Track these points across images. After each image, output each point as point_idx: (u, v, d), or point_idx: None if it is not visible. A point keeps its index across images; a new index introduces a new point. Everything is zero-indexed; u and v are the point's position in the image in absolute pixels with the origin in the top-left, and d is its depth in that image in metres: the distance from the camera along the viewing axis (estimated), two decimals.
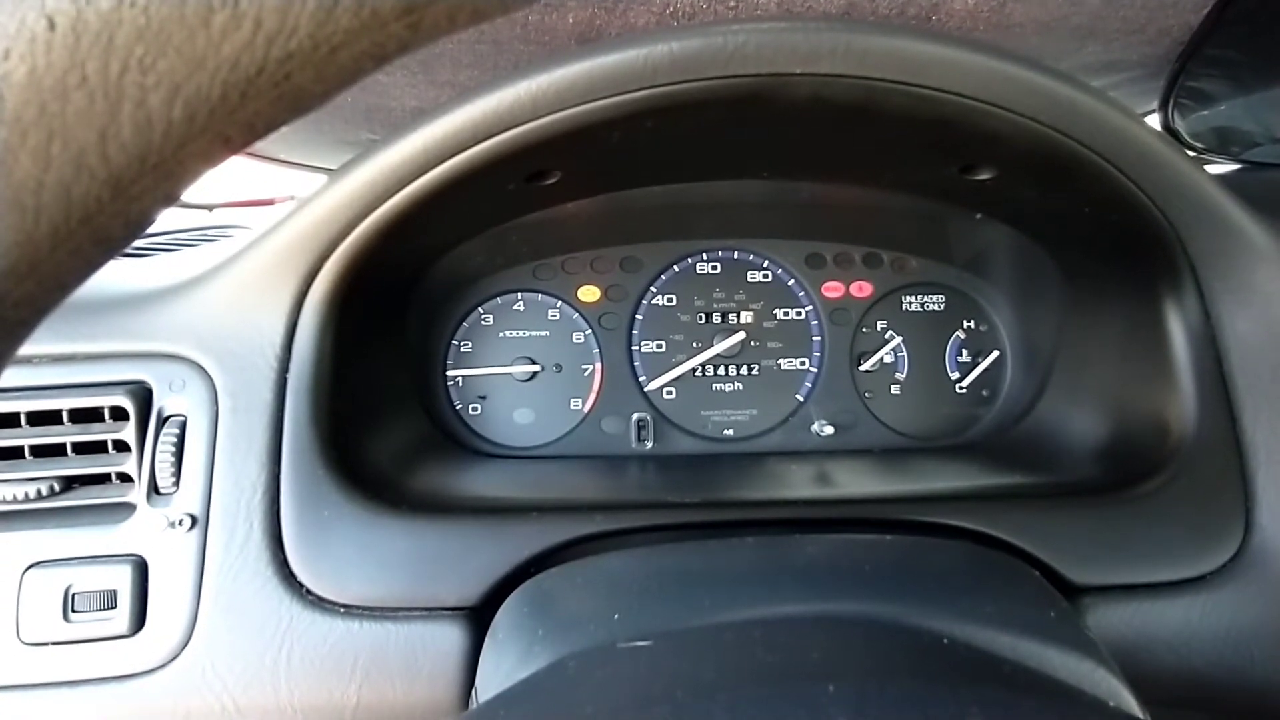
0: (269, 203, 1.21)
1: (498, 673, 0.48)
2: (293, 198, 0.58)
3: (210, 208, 1.15)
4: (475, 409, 0.84)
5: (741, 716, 0.23)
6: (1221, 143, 1.19)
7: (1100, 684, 0.39)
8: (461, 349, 0.84)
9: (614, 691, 0.30)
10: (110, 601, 0.56)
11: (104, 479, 0.60)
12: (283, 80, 0.19)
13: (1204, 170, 0.59)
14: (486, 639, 0.53)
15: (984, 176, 0.64)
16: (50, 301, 0.19)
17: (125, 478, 0.60)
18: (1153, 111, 1.13)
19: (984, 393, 0.85)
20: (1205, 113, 1.17)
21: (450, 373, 0.84)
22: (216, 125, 0.19)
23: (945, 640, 0.37)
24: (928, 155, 0.63)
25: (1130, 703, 0.39)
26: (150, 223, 0.20)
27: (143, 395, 0.60)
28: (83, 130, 0.17)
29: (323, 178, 0.60)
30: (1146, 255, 0.62)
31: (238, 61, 0.18)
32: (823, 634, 0.36)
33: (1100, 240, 0.66)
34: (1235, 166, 1.17)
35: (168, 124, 0.18)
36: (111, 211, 0.19)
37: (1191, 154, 1.11)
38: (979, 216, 0.76)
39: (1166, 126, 1.14)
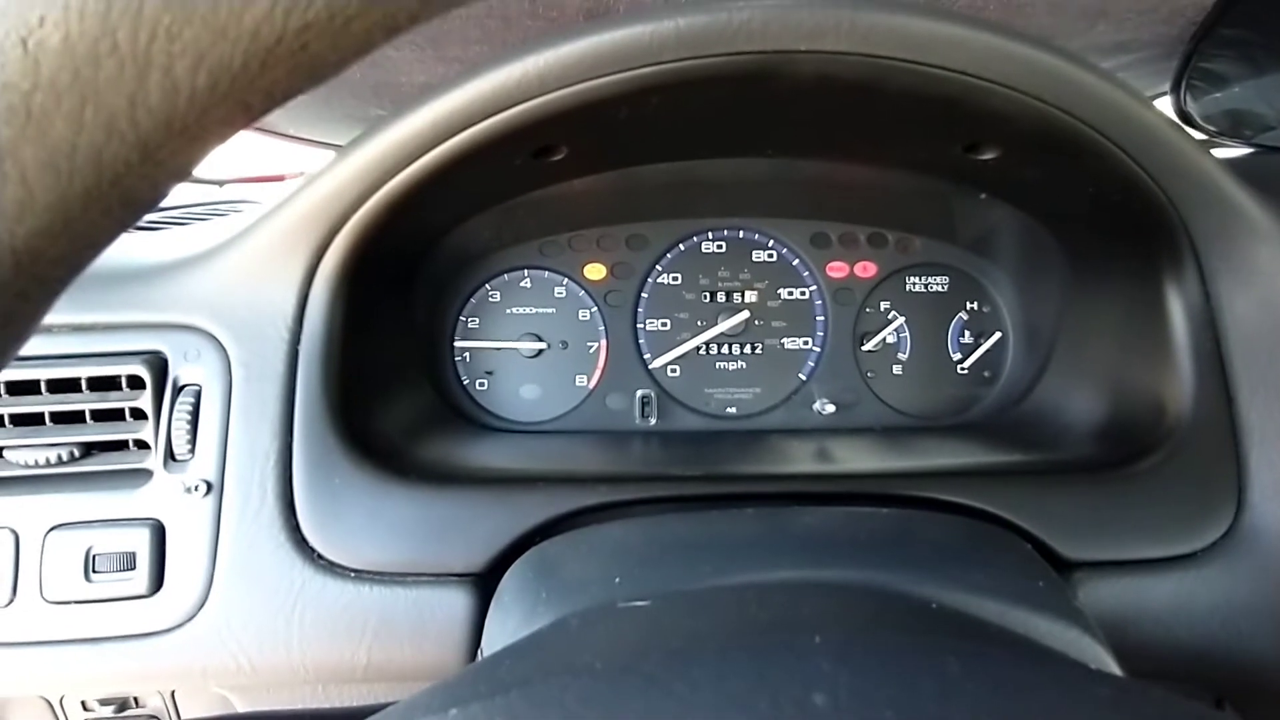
0: (279, 179, 1.22)
1: (502, 634, 0.50)
2: (302, 174, 0.59)
3: (221, 183, 1.16)
4: (482, 384, 0.85)
5: (732, 663, 0.25)
6: (1234, 126, 1.18)
7: (1085, 651, 0.40)
8: (469, 325, 0.85)
9: (613, 644, 0.31)
10: (129, 563, 0.58)
11: (122, 445, 0.62)
12: (300, 50, 0.20)
13: (1207, 151, 0.59)
14: (492, 603, 0.55)
15: (988, 156, 0.64)
16: (83, 260, 0.21)
17: (142, 444, 0.62)
18: (1165, 94, 1.12)
19: (985, 373, 0.86)
20: (1218, 95, 1.16)
21: (458, 346, 0.85)
22: (238, 92, 0.20)
23: (933, 604, 0.39)
24: (933, 134, 0.64)
25: (1113, 668, 0.40)
26: (175, 185, 0.21)
27: (159, 365, 0.61)
28: (113, 95, 0.18)
29: (331, 154, 0.61)
30: (1148, 236, 0.62)
31: (258, 31, 0.19)
32: (813, 595, 0.37)
33: (1103, 220, 0.67)
34: (1248, 150, 1.16)
35: (192, 90, 0.19)
36: (140, 174, 0.20)
37: (1204, 137, 1.11)
38: (983, 197, 0.76)
39: (1179, 109, 1.13)
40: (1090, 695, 0.24)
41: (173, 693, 0.64)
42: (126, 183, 0.20)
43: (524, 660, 0.31)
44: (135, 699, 0.67)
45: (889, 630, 0.32)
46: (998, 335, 0.86)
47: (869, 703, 0.23)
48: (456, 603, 0.58)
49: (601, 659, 0.26)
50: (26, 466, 0.60)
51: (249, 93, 0.20)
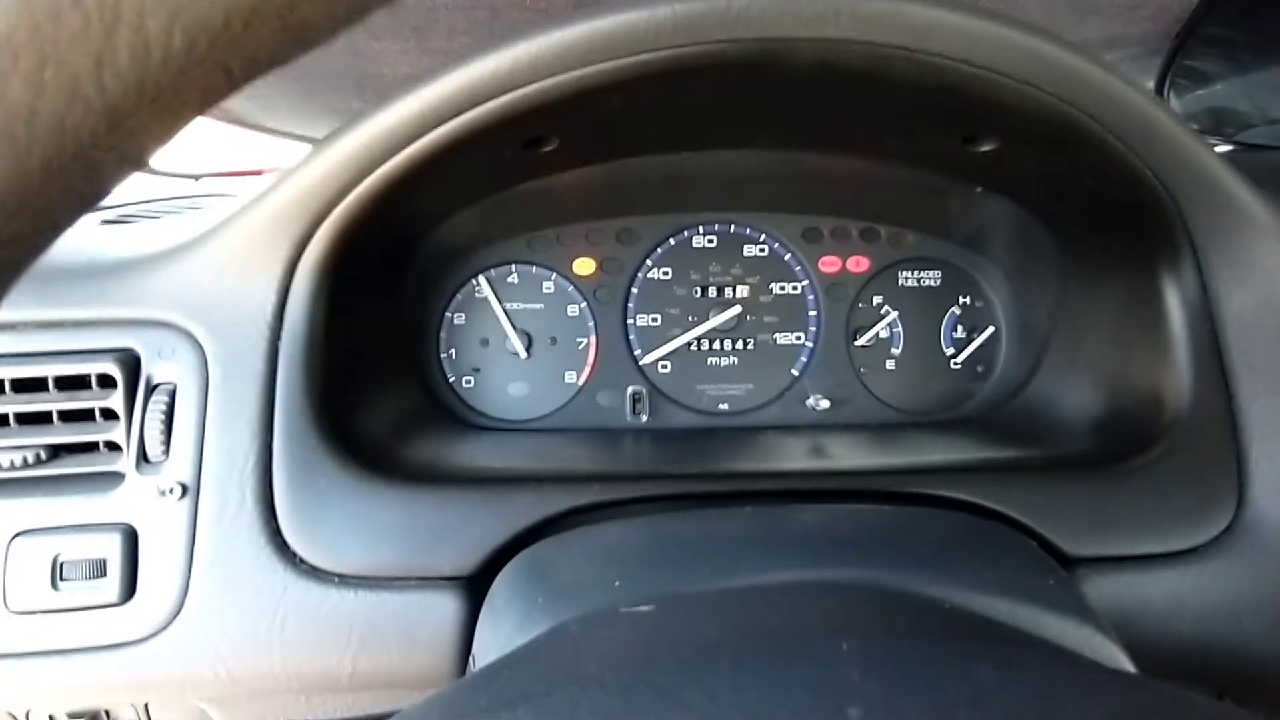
0: (257, 173, 1.19)
1: (496, 640, 0.48)
2: (279, 169, 0.56)
3: (197, 177, 1.13)
4: (469, 381, 0.83)
5: (751, 673, 0.23)
6: (1217, 124, 1.19)
7: (1098, 650, 0.40)
8: (455, 321, 0.83)
9: (619, 653, 0.30)
10: (99, 570, 0.55)
11: (91, 447, 0.59)
12: (288, 11, 0.18)
13: (1207, 146, 0.59)
14: (484, 607, 0.53)
15: (987, 147, 0.63)
16: (41, 241, 0.19)
17: (113, 446, 0.59)
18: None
19: (979, 368, 0.85)
20: (1202, 92, 1.17)
21: (444, 342, 0.83)
22: (217, 55, 0.18)
23: (946, 605, 0.38)
24: (931, 124, 0.63)
25: (1127, 667, 0.39)
26: (146, 160, 0.19)
27: (131, 363, 0.59)
28: (77, 55, 0.16)
29: (310, 148, 0.59)
30: (1146, 229, 0.62)
31: None
32: (822, 597, 0.36)
33: (1100, 213, 0.66)
34: (1230, 147, 1.17)
35: (166, 51, 0.17)
36: (107, 145, 0.18)
37: None
38: (979, 190, 0.75)
39: None
40: (1128, 702, 0.23)
41: (146, 705, 0.61)
42: (91, 155, 0.18)
43: (525, 671, 0.30)
44: (106, 712, 0.64)
45: (911, 634, 0.31)
46: (991, 330, 0.85)
47: (903, 715, 0.21)
48: (446, 607, 0.56)
49: (609, 669, 0.25)
50: None
51: (230, 56, 0.18)
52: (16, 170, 0.17)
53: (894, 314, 0.86)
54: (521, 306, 0.84)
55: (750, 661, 0.23)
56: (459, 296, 0.83)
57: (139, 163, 0.19)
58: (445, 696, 0.27)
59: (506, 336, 0.83)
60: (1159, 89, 1.16)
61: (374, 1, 0.19)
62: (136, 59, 0.17)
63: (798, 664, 0.23)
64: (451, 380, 0.83)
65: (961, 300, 0.86)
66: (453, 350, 0.83)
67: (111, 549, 0.55)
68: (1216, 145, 1.14)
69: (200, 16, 0.17)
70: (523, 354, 0.83)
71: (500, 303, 0.83)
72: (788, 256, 0.86)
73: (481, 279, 0.83)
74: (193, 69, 0.18)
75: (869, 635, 0.27)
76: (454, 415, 0.82)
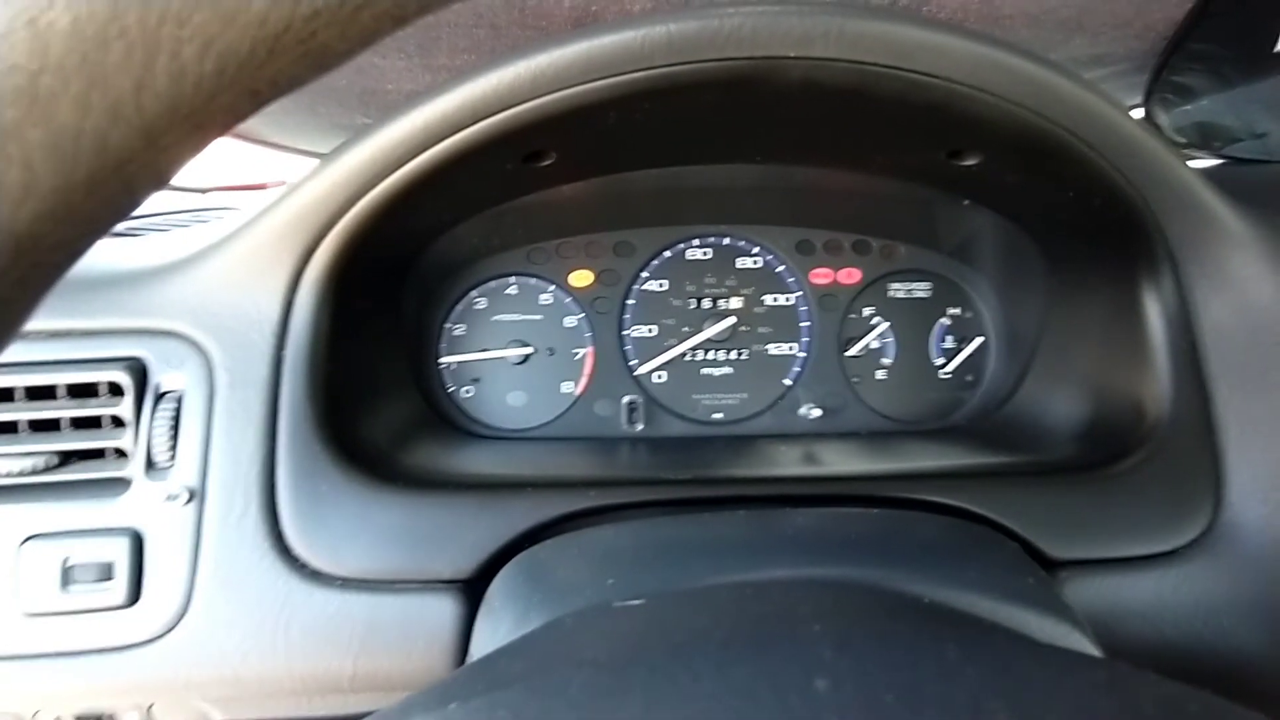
0: (261, 187, 1.21)
1: (493, 640, 0.49)
2: (284, 183, 0.58)
3: (204, 190, 1.15)
4: (468, 391, 0.85)
5: (734, 653, 0.25)
6: (1203, 138, 1.21)
7: (1074, 646, 0.41)
8: (454, 332, 0.85)
9: (612, 641, 0.31)
10: (107, 573, 0.57)
11: (100, 454, 0.61)
12: (309, 38, 0.20)
13: (1183, 160, 0.61)
14: (481, 608, 0.54)
15: (971, 162, 0.65)
16: (83, 246, 0.20)
17: (121, 453, 0.60)
18: (1136, 106, 1.15)
19: (968, 378, 0.87)
20: (1188, 108, 1.19)
21: (443, 357, 0.84)
22: (245, 79, 0.20)
23: (925, 599, 0.39)
24: (917, 140, 0.65)
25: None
26: (176, 173, 0.21)
27: (139, 371, 0.60)
28: (121, 80, 0.18)
29: (315, 163, 0.61)
30: (1126, 241, 0.64)
31: (266, 18, 0.19)
32: (808, 591, 0.37)
33: (1082, 226, 0.68)
34: (1217, 162, 1.19)
35: (199, 76, 0.19)
36: (143, 160, 0.19)
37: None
38: (966, 203, 0.77)
39: (1149, 121, 1.16)
40: (1087, 679, 0.24)
41: (150, 707, 0.62)
42: (130, 169, 0.19)
43: (521, 658, 0.31)
44: (112, 716, 0.65)
45: (883, 620, 0.32)
46: (980, 340, 0.87)
47: (870, 686, 0.23)
48: (444, 609, 0.57)
49: (603, 654, 0.26)
50: (1, 476, 0.59)
51: (256, 80, 0.20)
52: (64, 183, 0.18)
53: (885, 324, 0.87)
54: (520, 318, 0.86)
55: (734, 644, 0.25)
56: (459, 308, 0.85)
57: (170, 176, 0.21)
58: (444, 682, 0.28)
59: (505, 347, 0.84)
60: (1146, 104, 1.18)
61: (385, 29, 0.21)
62: (173, 83, 0.19)
63: (776, 644, 0.25)
64: (451, 390, 0.85)
65: (950, 311, 0.88)
66: (452, 360, 0.85)
67: (119, 553, 0.57)
68: (1204, 159, 1.17)
69: (230, 45, 0.19)
70: (521, 364, 0.85)
71: (499, 314, 0.85)
72: (781, 268, 0.88)
73: (480, 291, 0.85)
74: (223, 91, 0.19)
75: (843, 621, 0.29)
76: (453, 424, 0.84)
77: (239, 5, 0.18)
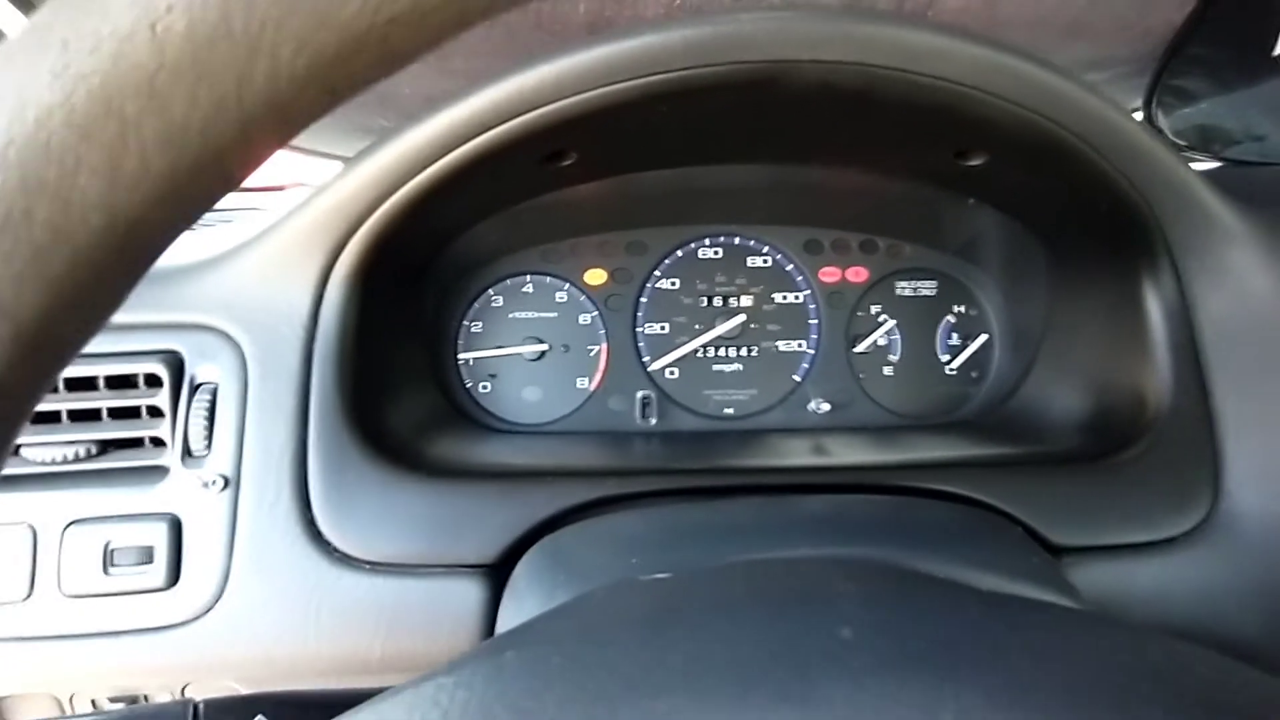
0: (279, 189, 1.23)
1: (519, 620, 0.51)
2: (302, 184, 0.61)
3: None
4: (485, 387, 0.87)
5: (768, 613, 0.26)
6: (1203, 140, 1.23)
7: None
8: (472, 329, 0.87)
9: (645, 605, 0.33)
10: (147, 557, 0.59)
11: (139, 443, 0.63)
12: (382, 41, 0.22)
13: (1182, 160, 0.63)
14: (506, 590, 0.56)
15: (976, 162, 0.67)
16: (180, 228, 0.23)
17: (159, 442, 0.63)
18: (1136, 109, 1.16)
19: (973, 373, 0.89)
20: (1188, 110, 1.21)
21: (461, 353, 0.87)
22: (327, 77, 0.22)
23: (935, 576, 0.41)
24: (924, 140, 0.67)
25: None
26: (263, 163, 0.23)
27: (175, 363, 0.63)
28: (225, 77, 0.20)
29: (335, 165, 0.63)
30: (1127, 238, 0.66)
31: (351, 22, 0.21)
32: (832, 565, 0.39)
33: (1085, 224, 0.70)
34: (1217, 164, 1.21)
35: (291, 74, 0.21)
36: (239, 150, 0.22)
37: None
38: (971, 202, 0.79)
39: (1150, 124, 1.17)
40: (1101, 634, 0.26)
41: (184, 688, 0.64)
42: (227, 157, 0.22)
43: (561, 618, 0.33)
44: (145, 697, 0.67)
45: (913, 584, 0.34)
46: (984, 337, 0.89)
47: (892, 634, 0.25)
48: (470, 593, 0.59)
49: (639, 616, 0.28)
50: (44, 464, 0.61)
51: (335, 79, 0.22)
52: (171, 169, 0.21)
53: (892, 322, 0.89)
54: (536, 315, 0.88)
55: (767, 605, 0.27)
56: (476, 305, 0.87)
57: (256, 167, 0.23)
58: (497, 639, 0.30)
59: (521, 344, 0.87)
60: (1147, 107, 1.20)
61: (449, 33, 0.23)
62: (269, 80, 0.21)
63: (802, 600, 0.27)
64: (469, 385, 0.87)
65: (956, 309, 0.90)
66: (470, 357, 0.87)
67: (158, 537, 0.59)
68: (1206, 162, 1.19)
69: (319, 46, 0.21)
70: (536, 361, 0.87)
71: (515, 312, 0.87)
72: (790, 267, 0.90)
73: (497, 289, 0.87)
74: (309, 88, 0.22)
75: (873, 586, 0.31)
76: (471, 418, 0.86)
77: (329, 10, 0.21)
